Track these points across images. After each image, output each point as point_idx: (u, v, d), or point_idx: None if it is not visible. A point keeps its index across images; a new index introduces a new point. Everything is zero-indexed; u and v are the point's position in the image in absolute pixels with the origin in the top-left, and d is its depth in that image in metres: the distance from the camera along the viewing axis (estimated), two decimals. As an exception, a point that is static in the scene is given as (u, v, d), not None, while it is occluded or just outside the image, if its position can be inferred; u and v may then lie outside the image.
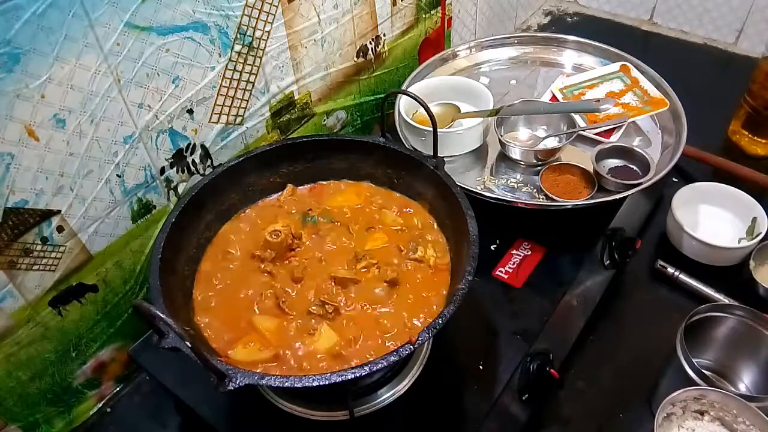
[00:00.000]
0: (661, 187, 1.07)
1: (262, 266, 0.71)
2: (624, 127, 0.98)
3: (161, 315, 0.48)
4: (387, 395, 0.70)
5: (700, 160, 1.11)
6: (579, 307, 0.86)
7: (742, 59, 1.44)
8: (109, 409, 0.83)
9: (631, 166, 0.92)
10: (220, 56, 0.77)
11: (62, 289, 0.71)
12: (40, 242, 0.66)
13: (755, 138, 1.15)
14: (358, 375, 0.53)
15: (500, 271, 0.84)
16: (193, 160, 0.81)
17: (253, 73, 0.83)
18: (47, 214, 0.66)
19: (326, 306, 0.66)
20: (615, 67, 1.08)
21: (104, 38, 0.63)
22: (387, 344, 0.63)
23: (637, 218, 1.02)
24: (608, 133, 0.98)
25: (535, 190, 0.91)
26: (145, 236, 0.79)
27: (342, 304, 0.67)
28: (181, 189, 0.81)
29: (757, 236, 0.93)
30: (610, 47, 1.11)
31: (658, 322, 0.88)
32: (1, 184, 0.60)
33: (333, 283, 0.69)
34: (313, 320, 0.66)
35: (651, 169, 0.89)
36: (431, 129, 0.73)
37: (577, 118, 0.98)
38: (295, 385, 0.53)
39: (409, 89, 1.00)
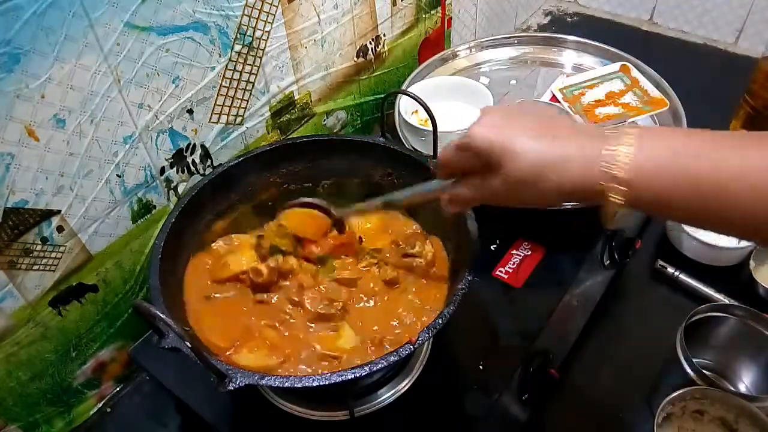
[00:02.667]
0: (661, 187, 1.07)
1: (255, 297, 0.68)
2: (624, 127, 0.98)
3: (161, 315, 0.48)
4: (387, 395, 0.69)
5: (700, 160, 1.11)
6: (579, 307, 0.86)
7: (742, 59, 1.43)
8: (109, 409, 0.82)
9: (631, 166, 0.92)
10: (220, 56, 0.77)
11: (62, 289, 0.71)
12: (40, 242, 0.66)
13: (755, 138, 1.15)
14: (358, 375, 0.53)
15: (500, 271, 0.84)
16: (193, 160, 0.81)
17: (253, 73, 0.83)
18: (47, 214, 0.66)
19: (333, 304, 0.66)
20: (615, 67, 1.08)
21: (104, 38, 0.63)
22: (386, 344, 0.63)
23: (637, 218, 1.01)
24: (608, 133, 0.98)
25: (535, 190, 0.91)
26: (145, 236, 0.79)
27: (341, 305, 0.67)
28: (181, 189, 0.81)
29: (757, 236, 0.93)
30: (610, 47, 1.11)
31: (658, 322, 0.88)
32: (1, 184, 0.60)
33: (337, 284, 0.69)
34: (314, 323, 0.66)
35: (651, 169, 0.89)
36: (431, 129, 0.73)
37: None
38: (295, 385, 0.53)
39: (409, 89, 1.00)
